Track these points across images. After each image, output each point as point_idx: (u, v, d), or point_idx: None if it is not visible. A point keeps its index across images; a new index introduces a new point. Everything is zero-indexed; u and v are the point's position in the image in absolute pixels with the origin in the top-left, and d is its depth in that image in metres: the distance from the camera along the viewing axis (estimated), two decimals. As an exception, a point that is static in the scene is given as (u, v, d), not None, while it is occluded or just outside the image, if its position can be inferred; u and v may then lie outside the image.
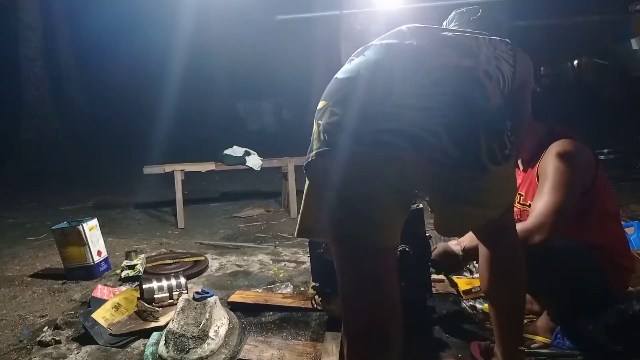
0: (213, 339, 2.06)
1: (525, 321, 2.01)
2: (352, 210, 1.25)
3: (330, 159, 1.24)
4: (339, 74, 1.33)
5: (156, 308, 2.35)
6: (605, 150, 5.81)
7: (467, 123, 1.20)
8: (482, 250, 1.56)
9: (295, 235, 1.50)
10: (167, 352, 1.98)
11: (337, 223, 1.29)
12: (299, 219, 1.45)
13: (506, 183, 1.36)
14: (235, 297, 2.56)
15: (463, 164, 1.20)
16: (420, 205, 1.91)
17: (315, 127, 1.31)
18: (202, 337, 2.03)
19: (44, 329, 2.34)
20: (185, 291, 2.46)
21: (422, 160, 1.18)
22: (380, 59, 1.28)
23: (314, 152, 1.28)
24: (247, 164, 4.74)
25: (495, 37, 1.40)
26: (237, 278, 2.98)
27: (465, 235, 1.81)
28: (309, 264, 2.57)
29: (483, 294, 1.72)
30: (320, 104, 1.31)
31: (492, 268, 1.53)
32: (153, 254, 3.42)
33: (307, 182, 1.40)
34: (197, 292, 2.31)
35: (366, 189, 1.23)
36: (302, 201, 1.42)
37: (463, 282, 2.53)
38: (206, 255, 3.31)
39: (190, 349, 1.98)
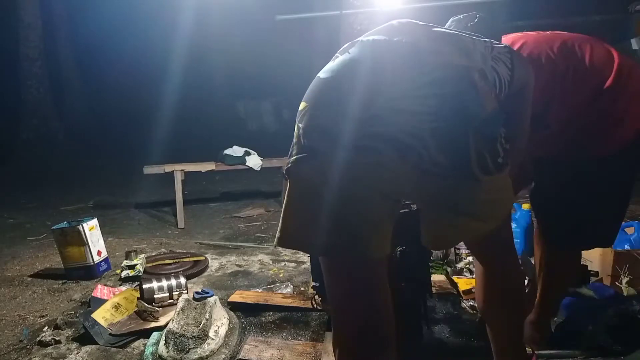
0: (213, 339, 2.06)
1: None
2: (337, 220, 1.17)
3: (311, 166, 1.17)
4: (322, 73, 1.24)
5: (156, 308, 2.35)
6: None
7: (456, 129, 1.12)
8: (478, 267, 1.50)
9: (275, 244, 1.38)
10: (167, 352, 1.98)
11: (321, 234, 1.20)
12: (279, 226, 1.30)
13: (500, 194, 1.26)
14: (235, 297, 2.56)
15: (451, 173, 1.12)
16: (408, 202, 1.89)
17: (296, 130, 1.23)
18: (202, 337, 2.03)
19: (44, 329, 2.34)
20: (185, 291, 2.46)
21: (408, 168, 1.11)
22: (365, 58, 1.20)
23: (293, 158, 1.21)
24: (247, 164, 4.74)
25: (493, 40, 1.34)
26: (237, 278, 2.98)
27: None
28: (309, 264, 2.57)
29: (480, 313, 1.66)
30: (301, 106, 1.23)
31: (488, 286, 1.47)
32: (153, 254, 3.42)
33: (287, 188, 1.28)
34: (197, 292, 2.31)
35: (352, 197, 1.16)
36: (283, 208, 1.30)
37: (463, 282, 2.54)
38: (206, 255, 3.32)
39: (190, 349, 1.98)
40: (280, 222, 1.29)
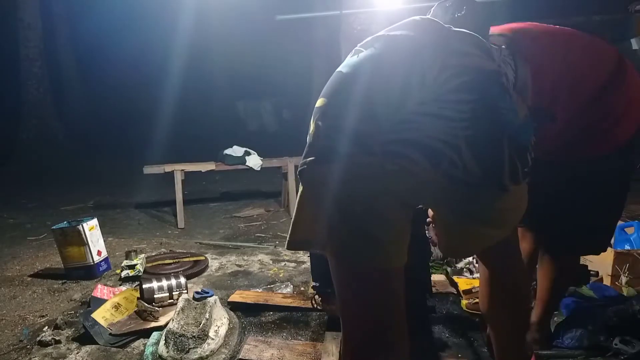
0: (213, 339, 2.06)
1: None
2: (355, 228, 1.12)
3: (331, 168, 1.09)
4: (343, 68, 1.15)
5: (156, 308, 2.35)
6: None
7: (492, 137, 1.06)
8: (482, 269, 1.48)
9: (285, 247, 1.31)
10: (167, 352, 1.98)
11: (338, 241, 1.16)
12: (290, 229, 1.26)
13: (520, 202, 1.22)
14: (235, 297, 2.56)
15: (483, 183, 1.07)
16: (421, 205, 1.90)
17: (312, 127, 1.14)
18: (202, 337, 2.03)
19: (44, 329, 2.34)
20: (185, 291, 2.46)
21: (438, 177, 1.06)
22: (393, 55, 1.11)
23: (310, 159, 1.12)
24: (247, 164, 4.73)
25: (495, 42, 1.30)
26: (237, 278, 2.98)
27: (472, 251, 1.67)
28: (309, 263, 2.57)
29: (483, 314, 1.67)
30: (320, 102, 1.15)
31: (492, 287, 1.46)
32: (153, 254, 3.42)
33: (300, 189, 1.23)
34: (197, 292, 2.31)
35: (372, 205, 1.10)
36: (295, 210, 1.25)
37: (463, 282, 2.53)
38: (206, 255, 3.32)
39: (190, 348, 1.98)
40: (292, 224, 1.24)
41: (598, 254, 1.97)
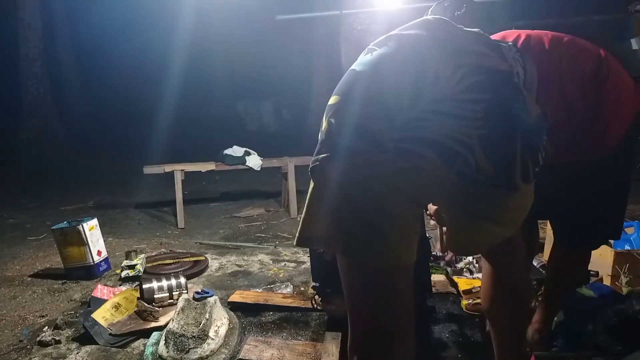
0: (213, 339, 2.06)
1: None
2: (365, 225, 1.12)
3: (343, 165, 1.10)
4: (357, 66, 1.15)
5: (156, 308, 2.35)
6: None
7: (505, 136, 1.07)
8: (485, 265, 1.49)
9: (294, 243, 1.31)
10: (167, 352, 1.98)
11: (347, 237, 1.15)
12: (299, 226, 1.27)
13: (528, 200, 1.21)
14: (235, 297, 2.56)
15: (494, 182, 1.08)
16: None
17: (325, 124, 1.14)
18: (202, 337, 2.03)
19: (44, 329, 2.34)
20: (185, 291, 2.46)
21: (450, 175, 1.07)
22: (408, 54, 1.12)
23: (323, 156, 1.13)
24: (247, 164, 4.74)
25: (504, 40, 1.30)
26: (237, 278, 2.98)
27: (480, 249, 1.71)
28: (309, 264, 2.57)
29: (484, 311, 1.67)
30: (333, 99, 1.15)
31: (494, 283, 1.46)
32: (153, 254, 3.42)
33: (311, 186, 1.23)
34: (197, 292, 2.31)
35: (383, 202, 1.10)
36: (305, 207, 1.25)
37: (463, 282, 2.54)
38: (206, 255, 3.32)
39: (190, 348, 1.98)
40: (302, 221, 1.25)
41: (598, 247, 2.00)
